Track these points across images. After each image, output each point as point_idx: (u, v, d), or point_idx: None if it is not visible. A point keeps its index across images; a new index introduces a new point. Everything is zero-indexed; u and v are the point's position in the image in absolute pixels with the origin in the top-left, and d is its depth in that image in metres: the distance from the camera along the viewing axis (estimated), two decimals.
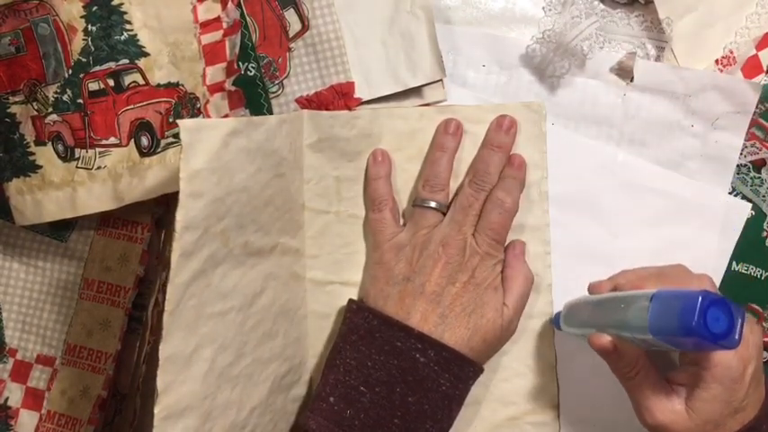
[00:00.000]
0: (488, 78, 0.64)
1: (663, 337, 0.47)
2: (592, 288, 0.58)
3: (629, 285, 0.55)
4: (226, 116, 0.59)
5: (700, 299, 0.44)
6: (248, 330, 0.53)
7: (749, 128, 0.62)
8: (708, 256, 0.62)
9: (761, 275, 0.63)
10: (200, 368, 0.48)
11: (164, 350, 0.46)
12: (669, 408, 0.52)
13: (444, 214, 0.59)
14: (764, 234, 0.63)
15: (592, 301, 0.56)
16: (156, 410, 0.45)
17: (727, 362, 0.50)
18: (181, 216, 0.46)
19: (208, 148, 0.47)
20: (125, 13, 0.54)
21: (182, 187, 0.46)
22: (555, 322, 0.60)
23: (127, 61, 0.55)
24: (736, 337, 0.45)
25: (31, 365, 0.62)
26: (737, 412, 0.51)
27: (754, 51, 0.61)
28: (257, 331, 0.54)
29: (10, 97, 0.56)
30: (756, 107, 0.61)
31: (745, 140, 0.62)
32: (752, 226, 0.63)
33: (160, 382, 0.46)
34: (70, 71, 0.55)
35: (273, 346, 0.56)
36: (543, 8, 0.64)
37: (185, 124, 0.46)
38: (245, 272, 0.52)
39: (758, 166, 0.62)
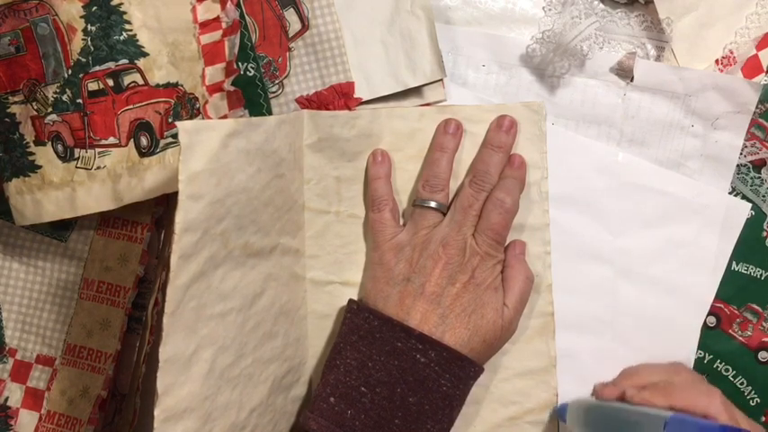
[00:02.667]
0: (488, 78, 0.64)
1: None
2: (597, 393, 0.58)
3: (637, 398, 0.55)
4: (224, 117, 0.59)
5: None
6: (248, 331, 0.53)
7: (749, 128, 0.62)
8: (708, 256, 0.62)
9: (761, 275, 0.63)
10: (201, 369, 0.48)
11: (163, 352, 0.46)
12: None
13: (444, 214, 0.59)
14: (764, 234, 0.63)
15: (599, 411, 0.56)
16: (156, 412, 0.45)
17: None
18: (180, 218, 0.46)
19: (207, 150, 0.47)
20: (124, 13, 0.54)
21: (181, 189, 0.46)
22: (559, 414, 0.60)
23: (126, 61, 0.55)
24: None
25: (30, 365, 0.62)
26: None
27: (754, 51, 0.61)
28: (257, 332, 0.54)
29: (10, 97, 0.56)
30: (756, 107, 0.61)
31: (745, 140, 0.62)
32: (752, 226, 0.63)
33: (160, 383, 0.46)
34: (70, 71, 0.55)
35: (274, 347, 0.56)
36: (543, 8, 0.64)
37: (184, 126, 0.46)
38: (246, 273, 0.52)
39: (758, 165, 0.62)
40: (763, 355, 0.63)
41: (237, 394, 0.52)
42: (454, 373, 0.54)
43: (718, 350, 0.63)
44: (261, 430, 0.55)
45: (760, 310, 0.63)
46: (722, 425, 0.46)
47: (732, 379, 0.63)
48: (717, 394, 0.53)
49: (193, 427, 0.48)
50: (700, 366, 0.63)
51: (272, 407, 0.56)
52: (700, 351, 0.63)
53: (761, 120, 0.62)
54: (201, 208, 0.47)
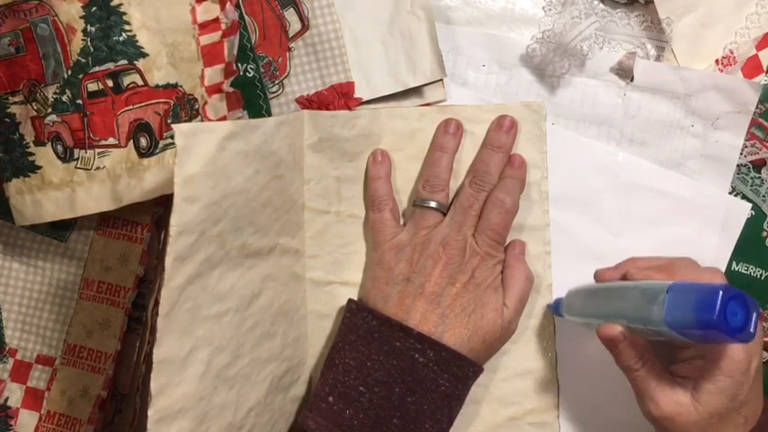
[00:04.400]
0: (488, 78, 0.64)
1: (678, 329, 0.46)
2: (599, 275, 0.58)
3: (639, 275, 0.55)
4: (224, 117, 0.59)
5: (721, 293, 0.44)
6: (246, 331, 0.53)
7: (749, 128, 0.62)
8: (708, 256, 0.62)
9: (761, 275, 0.63)
10: (196, 370, 0.48)
11: (157, 353, 0.46)
12: (674, 399, 0.52)
13: (444, 214, 0.59)
14: (764, 234, 0.63)
15: (599, 289, 0.56)
16: (149, 413, 0.45)
17: (735, 355, 0.49)
18: (175, 220, 0.46)
19: (203, 152, 0.47)
20: (124, 13, 0.54)
21: (176, 192, 0.46)
22: (554, 309, 0.60)
23: (126, 62, 0.55)
24: (752, 330, 0.45)
25: (30, 365, 0.63)
26: (742, 406, 0.51)
27: (754, 51, 0.61)
28: (255, 332, 0.54)
29: (9, 97, 0.56)
30: (756, 107, 0.61)
31: (746, 140, 0.62)
32: (752, 226, 0.62)
33: (154, 384, 0.46)
34: (69, 72, 0.55)
35: (272, 347, 0.56)
36: (543, 8, 0.64)
37: (180, 128, 0.46)
38: (243, 273, 0.52)
39: (758, 165, 0.62)
40: (763, 355, 0.63)
41: (234, 394, 0.52)
42: (453, 372, 0.54)
43: None
44: (259, 430, 0.55)
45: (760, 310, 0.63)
46: (722, 284, 0.45)
47: None
48: (718, 272, 0.53)
49: (188, 428, 0.48)
50: None
51: (270, 407, 0.56)
52: None
53: (761, 120, 0.61)
54: (197, 210, 0.47)
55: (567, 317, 0.58)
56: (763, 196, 0.62)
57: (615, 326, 0.52)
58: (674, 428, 0.52)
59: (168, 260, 0.46)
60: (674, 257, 0.56)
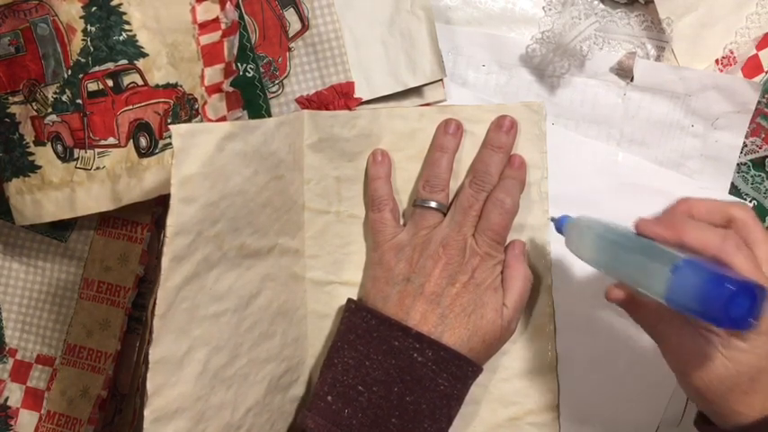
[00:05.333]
0: (488, 78, 0.64)
1: (680, 309, 0.45)
2: (639, 226, 0.50)
3: (644, 230, 0.49)
4: (223, 117, 0.59)
5: (727, 290, 0.42)
6: (244, 331, 0.53)
7: (753, 119, 0.61)
8: None
9: None
10: (193, 370, 0.48)
11: (154, 353, 0.46)
12: (701, 355, 0.48)
13: (444, 214, 0.59)
14: None
15: (609, 240, 0.51)
16: (146, 413, 0.45)
17: None
18: (171, 221, 0.46)
19: (201, 153, 0.47)
20: (124, 13, 0.54)
21: (173, 192, 0.46)
22: (556, 225, 0.56)
23: (126, 62, 0.55)
24: (754, 321, 0.43)
25: (30, 365, 0.63)
26: None
27: (754, 51, 0.61)
28: (253, 332, 0.54)
29: (9, 97, 0.56)
30: (763, 97, 0.61)
31: (749, 134, 0.62)
32: None
33: (150, 384, 0.46)
34: (69, 71, 0.55)
35: (270, 347, 0.56)
36: (543, 8, 0.64)
37: (177, 129, 0.46)
38: (242, 273, 0.52)
39: (759, 163, 0.62)
40: None
41: (232, 394, 0.52)
42: (452, 372, 0.54)
43: None
44: (257, 430, 0.55)
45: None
46: (735, 279, 0.42)
47: None
48: (731, 239, 0.47)
49: (185, 427, 0.48)
50: None
51: (269, 406, 0.56)
52: None
53: (767, 110, 0.61)
54: (195, 211, 0.47)
55: (569, 248, 0.54)
56: (765, 193, 0.62)
57: (617, 291, 0.50)
58: (700, 385, 0.49)
59: (165, 260, 0.46)
60: (728, 205, 0.50)
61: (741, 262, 0.46)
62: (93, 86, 0.55)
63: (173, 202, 0.46)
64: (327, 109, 0.61)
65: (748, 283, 0.43)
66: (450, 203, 0.60)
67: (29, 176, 0.57)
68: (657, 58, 0.63)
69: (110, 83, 0.55)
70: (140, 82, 0.55)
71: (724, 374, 0.48)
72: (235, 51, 0.59)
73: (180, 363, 0.47)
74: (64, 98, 0.55)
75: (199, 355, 0.49)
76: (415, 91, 0.62)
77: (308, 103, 0.61)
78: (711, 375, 0.48)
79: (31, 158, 0.57)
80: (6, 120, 0.57)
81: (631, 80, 0.62)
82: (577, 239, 0.54)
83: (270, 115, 0.62)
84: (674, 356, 0.50)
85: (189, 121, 0.58)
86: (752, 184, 0.62)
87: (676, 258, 0.45)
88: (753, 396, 0.48)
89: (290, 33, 0.61)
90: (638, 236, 0.49)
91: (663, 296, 0.45)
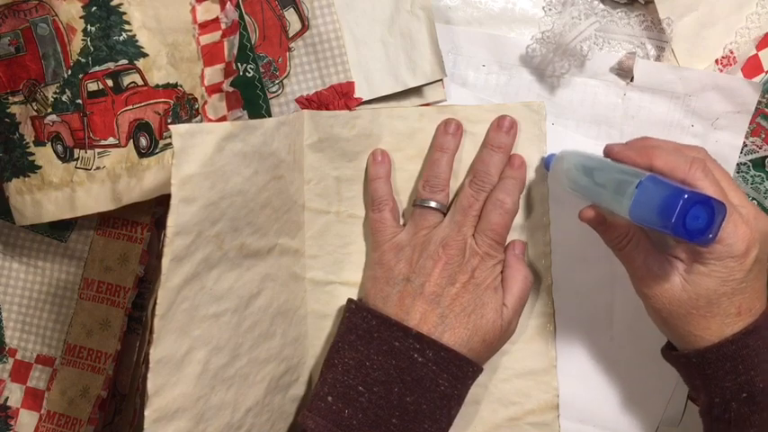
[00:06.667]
0: (488, 78, 0.64)
1: (643, 224, 0.48)
2: (607, 150, 0.55)
3: (617, 153, 0.54)
4: (223, 117, 0.59)
5: (682, 199, 0.45)
6: (244, 332, 0.53)
7: (754, 119, 0.61)
8: None
9: None
10: (194, 370, 0.48)
11: (154, 353, 0.46)
12: (662, 277, 0.51)
13: (444, 214, 0.59)
14: None
15: (584, 165, 0.55)
16: (146, 413, 0.45)
17: (728, 239, 0.49)
18: (172, 221, 0.46)
19: (201, 153, 0.47)
20: (124, 13, 0.54)
21: (173, 192, 0.46)
22: (546, 163, 0.60)
23: (126, 62, 0.55)
24: (711, 236, 0.46)
25: (30, 365, 0.63)
26: (735, 294, 0.50)
27: (754, 51, 0.61)
28: (254, 332, 0.54)
29: (9, 97, 0.56)
30: (763, 97, 0.61)
31: (749, 134, 0.62)
32: None
33: (150, 384, 0.46)
34: (69, 71, 0.55)
35: (271, 347, 0.56)
36: (543, 8, 0.64)
37: (177, 129, 0.46)
38: (242, 274, 0.52)
39: (759, 163, 0.62)
40: None
41: (232, 394, 0.52)
42: (452, 372, 0.54)
43: None
44: (257, 430, 0.55)
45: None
46: (689, 190, 0.45)
47: None
48: (699, 163, 0.50)
49: (186, 427, 0.48)
50: None
51: (268, 407, 0.56)
52: None
53: (767, 110, 0.61)
54: (195, 211, 0.47)
55: (552, 177, 0.59)
56: (765, 193, 0.62)
57: (589, 210, 0.52)
58: (660, 306, 0.52)
59: (165, 261, 0.46)
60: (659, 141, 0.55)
61: (707, 185, 0.49)
62: (93, 86, 0.55)
63: (173, 202, 0.46)
64: (327, 109, 0.61)
65: (706, 197, 0.46)
66: (451, 203, 0.60)
67: (29, 176, 0.57)
68: (657, 58, 0.63)
69: (110, 83, 0.55)
70: (140, 82, 0.55)
71: (683, 297, 0.51)
72: (235, 51, 0.59)
73: (180, 363, 0.47)
74: (64, 98, 0.55)
75: (199, 355, 0.49)
76: (415, 91, 0.62)
77: (307, 103, 0.61)
78: (672, 297, 0.51)
79: (31, 158, 0.57)
80: (6, 120, 0.57)
81: (631, 80, 0.62)
82: (559, 169, 0.57)
83: (270, 115, 0.62)
84: (639, 279, 0.53)
85: (189, 121, 0.58)
86: (752, 184, 0.62)
87: (641, 175, 0.48)
88: (710, 320, 0.51)
89: (290, 33, 0.61)
90: (613, 161, 0.53)
91: (628, 211, 0.47)
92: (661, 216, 0.45)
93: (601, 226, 0.53)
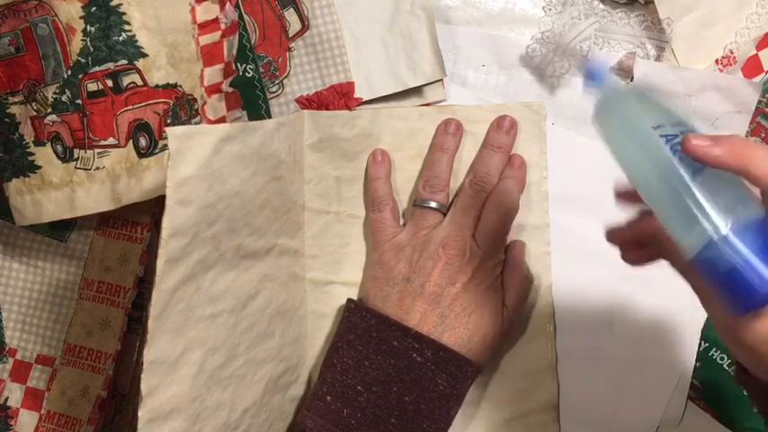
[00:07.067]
0: (488, 78, 0.64)
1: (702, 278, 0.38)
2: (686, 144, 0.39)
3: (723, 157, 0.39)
4: (223, 117, 0.59)
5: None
6: (241, 332, 0.53)
7: (753, 119, 0.61)
8: None
9: None
10: (189, 371, 0.48)
11: (148, 354, 0.46)
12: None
13: (444, 214, 0.59)
14: None
15: (658, 149, 0.40)
16: (139, 413, 0.45)
17: None
18: (167, 223, 0.46)
19: (198, 155, 0.47)
20: (124, 13, 0.54)
21: (168, 195, 0.45)
22: (590, 73, 0.47)
23: (125, 62, 0.55)
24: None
25: (30, 365, 0.63)
26: None
27: (754, 51, 0.61)
28: (251, 333, 0.54)
29: (9, 97, 0.56)
30: (763, 97, 0.61)
31: (749, 134, 0.62)
32: None
33: (144, 385, 0.46)
34: (69, 72, 0.55)
35: (269, 347, 0.56)
36: (543, 8, 0.64)
37: (173, 131, 0.46)
38: (239, 274, 0.52)
39: None
40: None
41: (229, 395, 0.52)
42: (451, 372, 0.54)
43: (715, 338, 0.63)
44: (255, 430, 0.55)
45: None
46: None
47: (727, 368, 0.63)
48: None
49: (181, 428, 0.48)
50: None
51: (267, 407, 0.56)
52: None
53: (767, 109, 0.61)
54: (191, 213, 0.47)
55: (595, 121, 0.45)
56: None
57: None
58: (751, 341, 0.39)
59: (160, 262, 0.46)
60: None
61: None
62: (92, 87, 0.55)
63: (168, 204, 0.46)
64: (327, 109, 0.61)
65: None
66: (451, 203, 0.60)
67: (29, 176, 0.57)
68: (657, 58, 0.63)
69: (109, 83, 0.55)
70: (140, 82, 0.55)
71: None
72: (234, 51, 0.59)
73: (175, 364, 0.47)
74: (64, 98, 0.55)
75: (195, 356, 0.49)
76: (415, 91, 0.62)
77: (307, 103, 0.61)
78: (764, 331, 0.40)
79: (30, 158, 0.57)
80: (6, 120, 0.57)
81: (631, 80, 0.62)
82: (612, 122, 0.44)
83: (270, 115, 0.62)
84: (719, 313, 0.41)
85: (188, 121, 0.58)
86: None
87: (724, 223, 0.36)
88: None
89: (290, 33, 0.61)
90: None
91: (688, 254, 0.38)
92: (728, 294, 0.36)
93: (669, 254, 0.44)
